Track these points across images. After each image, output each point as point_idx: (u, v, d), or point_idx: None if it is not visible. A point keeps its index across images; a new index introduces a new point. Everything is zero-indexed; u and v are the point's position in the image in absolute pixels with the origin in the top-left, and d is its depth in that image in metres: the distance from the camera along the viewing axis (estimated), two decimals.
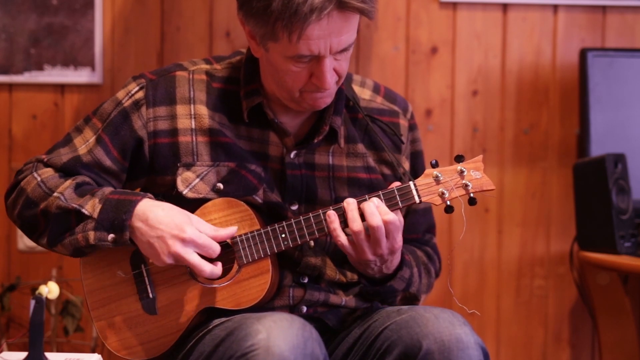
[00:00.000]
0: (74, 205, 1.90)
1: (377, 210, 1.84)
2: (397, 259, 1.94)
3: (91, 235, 1.88)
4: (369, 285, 1.98)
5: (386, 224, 1.84)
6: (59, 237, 1.92)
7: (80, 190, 1.93)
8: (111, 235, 1.88)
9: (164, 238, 1.85)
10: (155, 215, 1.86)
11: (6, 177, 2.96)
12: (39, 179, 1.96)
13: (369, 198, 1.87)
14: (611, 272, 2.80)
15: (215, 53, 2.99)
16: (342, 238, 1.87)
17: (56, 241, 1.93)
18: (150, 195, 1.92)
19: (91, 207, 1.89)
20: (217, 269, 1.87)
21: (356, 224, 1.85)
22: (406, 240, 2.06)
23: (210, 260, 1.88)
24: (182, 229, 1.85)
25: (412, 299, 2.05)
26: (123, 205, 1.88)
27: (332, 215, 1.87)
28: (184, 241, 1.84)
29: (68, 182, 1.94)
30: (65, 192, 1.92)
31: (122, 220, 1.86)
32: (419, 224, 2.13)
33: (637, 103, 2.91)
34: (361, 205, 1.86)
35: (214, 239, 1.88)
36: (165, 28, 3.02)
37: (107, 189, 1.93)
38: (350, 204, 1.87)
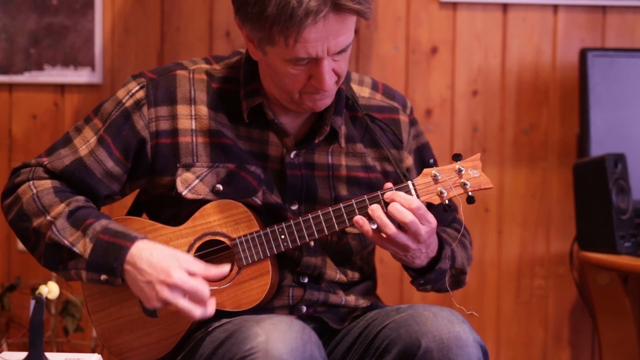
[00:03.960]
0: (66, 243, 1.88)
1: (402, 207, 1.83)
2: (435, 239, 1.93)
3: (83, 273, 1.88)
4: (419, 277, 1.97)
5: (415, 210, 1.83)
6: (54, 267, 1.92)
7: (73, 219, 1.90)
8: (103, 276, 1.87)
9: (152, 284, 1.82)
10: (143, 261, 1.84)
11: (6, 177, 2.95)
12: (34, 191, 1.94)
13: (383, 194, 1.86)
14: (611, 272, 2.80)
15: (215, 53, 2.99)
16: (383, 234, 1.85)
17: (51, 268, 1.93)
18: (142, 236, 1.88)
19: (82, 246, 1.87)
20: (209, 309, 1.84)
21: (389, 228, 1.84)
22: None
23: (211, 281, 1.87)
24: (168, 273, 1.81)
25: (459, 275, 2.06)
26: (113, 251, 1.85)
27: (360, 220, 1.85)
28: (170, 286, 1.81)
29: (61, 207, 1.91)
30: (57, 220, 1.90)
31: (112, 268, 1.85)
32: (444, 215, 2.12)
33: (637, 103, 2.91)
34: (389, 209, 1.84)
35: (205, 277, 1.84)
36: (165, 28, 3.02)
37: (98, 225, 1.89)
38: (375, 210, 1.85)
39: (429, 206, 2.03)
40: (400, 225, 1.84)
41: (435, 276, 1.97)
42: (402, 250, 1.87)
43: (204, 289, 1.82)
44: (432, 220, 1.87)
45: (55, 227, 1.89)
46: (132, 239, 1.86)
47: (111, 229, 1.88)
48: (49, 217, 1.90)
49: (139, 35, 3.01)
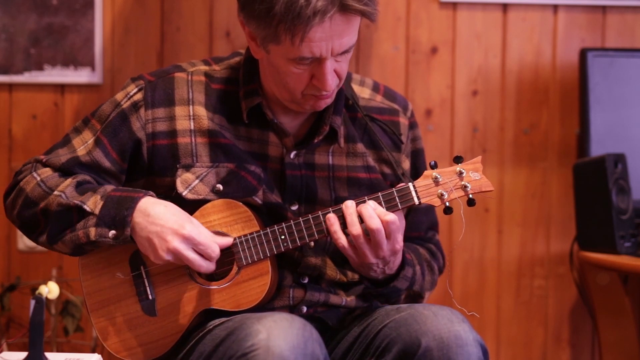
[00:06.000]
0: (76, 202, 1.90)
1: (375, 212, 1.84)
2: (398, 259, 1.94)
3: (92, 231, 1.88)
4: (372, 287, 1.98)
5: (386, 224, 1.84)
6: (60, 234, 1.92)
7: (82, 188, 1.93)
8: (112, 232, 1.88)
9: (163, 234, 1.85)
10: (156, 212, 1.87)
11: (6, 177, 2.96)
12: (38, 178, 1.96)
13: (367, 200, 1.87)
14: (611, 272, 2.80)
15: (215, 53, 2.99)
16: (343, 240, 1.86)
17: (56, 238, 1.93)
18: (152, 193, 1.92)
19: (93, 203, 1.90)
20: (211, 265, 1.88)
21: (355, 227, 1.85)
22: (409, 239, 2.06)
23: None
24: (182, 225, 1.85)
25: (415, 297, 2.06)
26: (125, 202, 1.88)
27: (332, 218, 1.87)
28: (184, 237, 1.85)
29: (69, 181, 1.94)
30: (66, 190, 1.92)
31: (123, 217, 1.87)
32: (421, 222, 2.13)
33: (637, 103, 2.91)
34: (359, 208, 1.86)
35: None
36: (165, 28, 3.02)
37: (109, 187, 1.93)
38: (349, 207, 1.87)
39: (410, 209, 2.03)
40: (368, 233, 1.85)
41: (388, 292, 1.98)
42: (358, 258, 1.88)
43: (215, 246, 1.86)
44: (400, 242, 1.88)
45: (65, 194, 1.91)
46: (144, 192, 1.90)
47: (122, 188, 1.93)
48: (56, 192, 1.92)
49: (139, 35, 3.01)
